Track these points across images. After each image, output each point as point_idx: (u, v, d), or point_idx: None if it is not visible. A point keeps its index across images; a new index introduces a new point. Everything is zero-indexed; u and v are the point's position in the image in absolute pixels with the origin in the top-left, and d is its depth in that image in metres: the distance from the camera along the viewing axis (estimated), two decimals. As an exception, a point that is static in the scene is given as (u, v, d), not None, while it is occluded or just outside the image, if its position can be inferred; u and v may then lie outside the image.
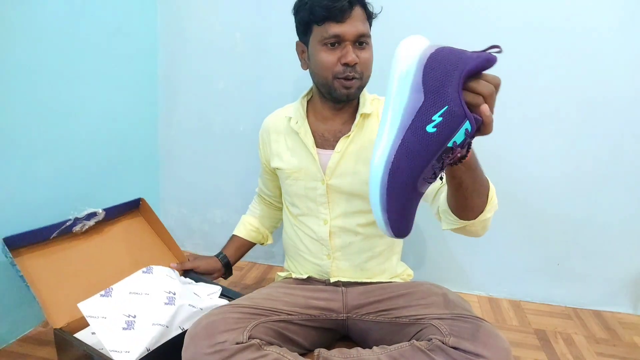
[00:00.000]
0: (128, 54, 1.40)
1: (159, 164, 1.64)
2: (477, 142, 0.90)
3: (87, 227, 1.12)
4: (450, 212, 0.80)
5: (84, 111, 1.24)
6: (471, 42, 1.28)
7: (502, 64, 1.26)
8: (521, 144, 1.32)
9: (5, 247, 0.97)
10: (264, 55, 1.45)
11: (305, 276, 1.06)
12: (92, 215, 1.13)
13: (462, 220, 0.79)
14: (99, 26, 1.26)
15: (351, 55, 0.87)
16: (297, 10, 0.93)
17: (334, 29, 0.86)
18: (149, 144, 1.58)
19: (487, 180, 0.77)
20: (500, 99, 1.46)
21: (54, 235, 1.06)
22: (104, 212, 1.15)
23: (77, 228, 1.10)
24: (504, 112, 1.31)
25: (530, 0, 1.23)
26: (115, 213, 1.21)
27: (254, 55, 1.46)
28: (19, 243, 1.00)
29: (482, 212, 0.77)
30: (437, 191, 0.88)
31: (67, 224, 1.08)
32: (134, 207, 1.26)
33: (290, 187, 1.04)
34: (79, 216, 1.10)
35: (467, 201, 0.75)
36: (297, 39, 0.98)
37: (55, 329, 0.92)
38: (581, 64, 1.24)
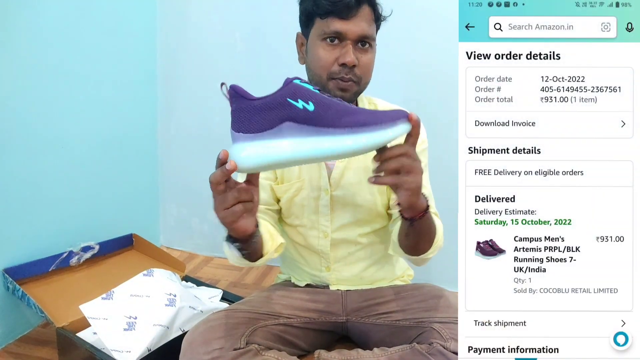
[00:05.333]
0: (127, 54, 1.40)
1: (158, 164, 1.64)
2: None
3: (83, 259, 1.19)
4: (398, 246, 0.86)
5: (82, 111, 1.24)
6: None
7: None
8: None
9: (7, 277, 1.03)
10: (263, 55, 1.45)
11: (303, 284, 1.03)
12: (87, 248, 1.21)
13: (406, 255, 0.87)
14: (97, 25, 1.26)
15: (350, 56, 0.81)
16: (302, 0, 0.88)
17: (337, 25, 0.81)
18: (148, 143, 1.58)
19: (436, 227, 0.81)
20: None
21: (52, 267, 1.13)
22: (99, 246, 1.23)
23: (73, 261, 1.18)
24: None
25: None
26: (109, 248, 1.29)
27: (253, 55, 1.46)
28: (19, 274, 1.06)
29: (425, 252, 0.83)
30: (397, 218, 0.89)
31: (63, 256, 1.16)
32: (128, 244, 1.35)
33: (293, 198, 0.96)
34: (74, 250, 1.18)
35: (416, 245, 0.82)
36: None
37: (57, 328, 0.92)
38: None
